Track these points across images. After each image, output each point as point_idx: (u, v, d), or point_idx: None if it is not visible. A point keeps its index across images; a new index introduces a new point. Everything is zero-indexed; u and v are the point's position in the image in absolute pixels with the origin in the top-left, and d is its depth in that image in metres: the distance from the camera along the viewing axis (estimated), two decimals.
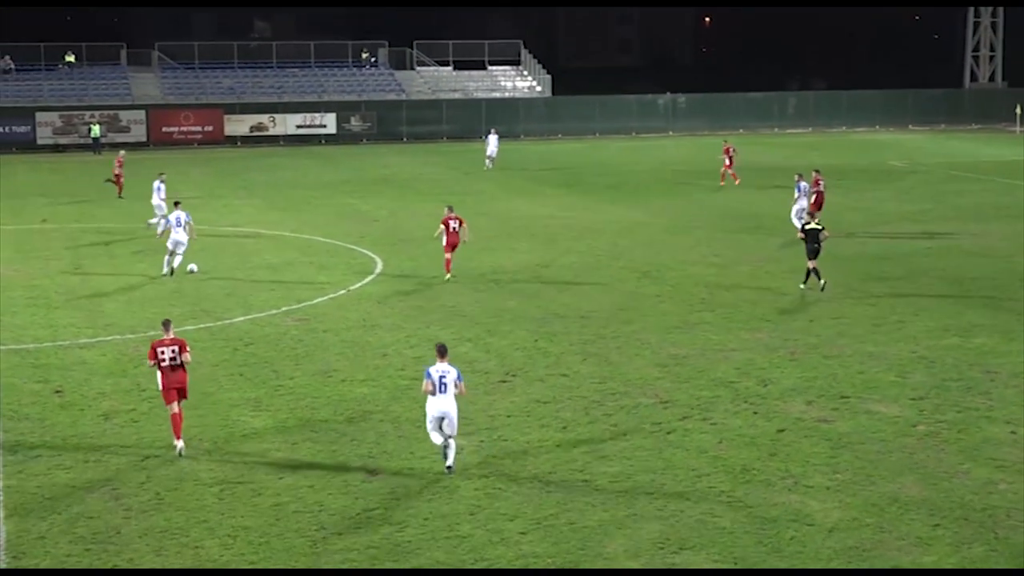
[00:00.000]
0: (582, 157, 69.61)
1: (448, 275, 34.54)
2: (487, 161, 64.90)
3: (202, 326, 29.51)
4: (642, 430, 21.76)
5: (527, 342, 27.91)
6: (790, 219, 41.55)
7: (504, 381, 24.84)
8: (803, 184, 41.97)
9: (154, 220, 42.76)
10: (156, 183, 44.07)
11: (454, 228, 34.57)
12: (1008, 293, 32.80)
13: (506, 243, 40.96)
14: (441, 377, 19.65)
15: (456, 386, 19.69)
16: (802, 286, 33.30)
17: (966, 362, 26.07)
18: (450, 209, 35.26)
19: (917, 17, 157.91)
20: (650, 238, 41.79)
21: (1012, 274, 35.31)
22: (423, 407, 20.07)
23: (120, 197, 51.82)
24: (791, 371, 25.45)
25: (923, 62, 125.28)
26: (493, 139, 65.14)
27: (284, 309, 31.28)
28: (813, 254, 32.93)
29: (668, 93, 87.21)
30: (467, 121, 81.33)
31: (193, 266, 36.23)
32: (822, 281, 32.98)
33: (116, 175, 52.43)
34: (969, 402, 23.31)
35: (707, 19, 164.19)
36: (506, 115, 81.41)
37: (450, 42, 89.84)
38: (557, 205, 49.74)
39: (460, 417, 20.09)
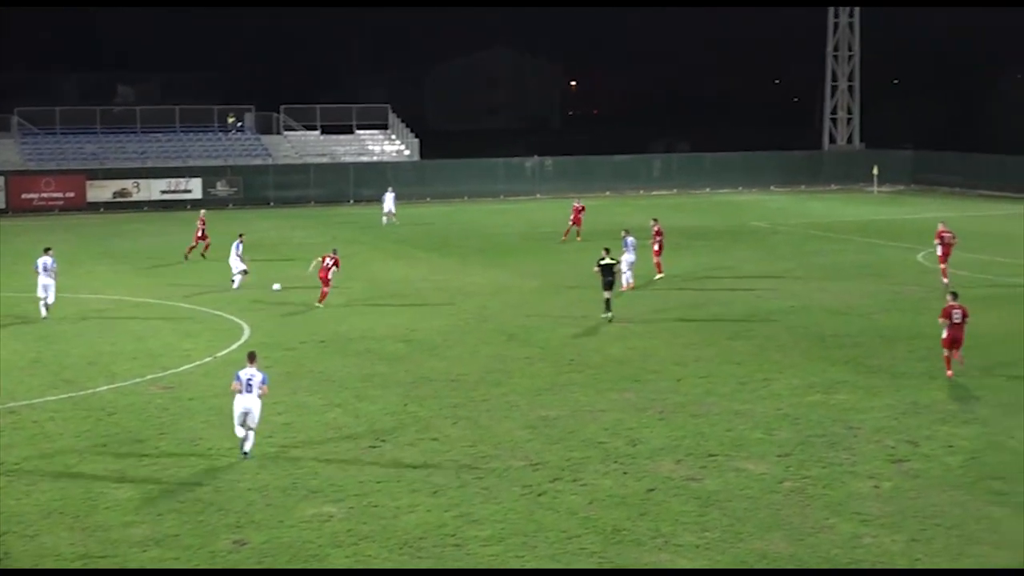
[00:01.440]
0: (451, 220, 69.81)
1: (320, 304, 39.88)
2: (384, 218, 67.05)
3: (64, 396, 28.84)
4: (513, 493, 21.72)
5: (397, 406, 27.75)
6: (621, 272, 42.26)
7: (374, 446, 24.63)
8: (630, 239, 43.69)
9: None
10: (235, 243, 45.16)
11: (327, 265, 39.99)
12: (869, 350, 33.50)
13: (376, 306, 40.78)
14: (248, 380, 23.60)
15: (260, 388, 23.65)
16: (603, 316, 37.40)
17: (830, 418, 26.54)
18: (334, 251, 41.31)
19: (777, 81, 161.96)
20: (519, 300, 41.95)
21: (873, 331, 36.10)
22: (292, 475, 20.15)
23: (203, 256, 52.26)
24: (660, 430, 25.65)
25: (784, 125, 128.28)
26: (390, 196, 67.60)
27: (149, 377, 30.71)
28: (608, 286, 37.61)
29: (536, 156, 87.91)
30: (335, 185, 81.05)
31: (277, 285, 43.15)
32: (611, 313, 37.31)
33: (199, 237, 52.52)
34: (833, 458, 23.70)
35: (573, 83, 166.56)
36: (374, 179, 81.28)
37: (317, 106, 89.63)
38: (427, 268, 49.74)
39: (328, 483, 20.60)
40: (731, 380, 30.07)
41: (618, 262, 38.35)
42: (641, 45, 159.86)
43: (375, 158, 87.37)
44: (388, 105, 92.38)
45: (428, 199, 79.29)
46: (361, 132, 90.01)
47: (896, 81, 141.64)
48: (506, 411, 27.29)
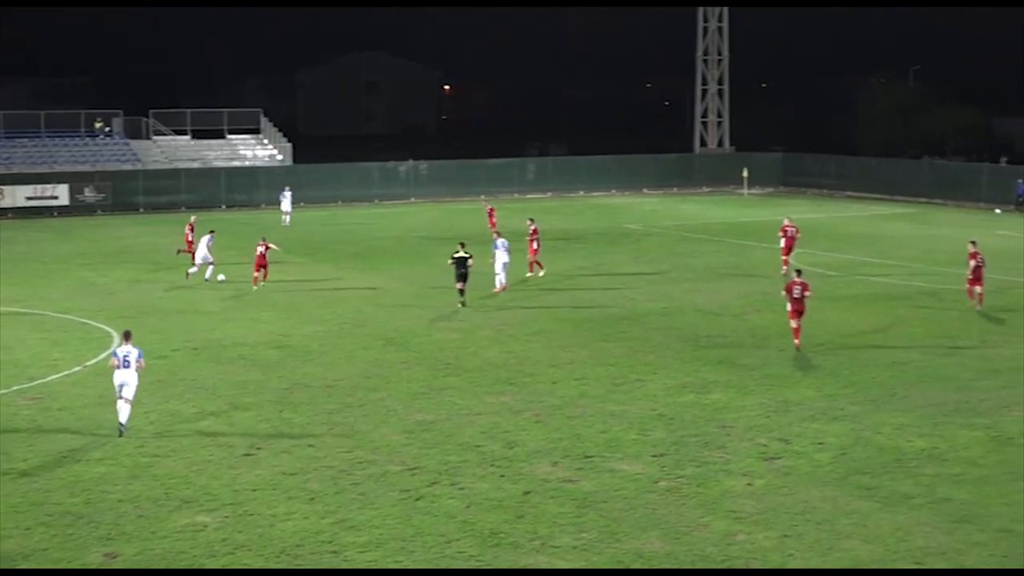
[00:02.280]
0: (325, 225, 69.32)
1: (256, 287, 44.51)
2: (285, 218, 69.06)
3: None
4: (390, 498, 21.64)
5: (272, 413, 27.47)
6: (494, 273, 43.35)
7: (248, 454, 24.35)
8: (501, 240, 44.06)
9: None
10: (206, 237, 47.23)
11: (261, 252, 44.53)
12: (741, 350, 34.00)
13: (249, 313, 40.33)
14: (125, 356, 25.53)
15: (138, 362, 25.59)
16: (459, 305, 40.29)
17: (703, 418, 26.88)
18: (263, 239, 45.46)
19: (649, 84, 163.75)
20: (395, 304, 41.80)
21: (745, 331, 36.65)
22: (165, 485, 20.12)
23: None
24: (536, 433, 25.75)
25: (657, 128, 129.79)
26: (287, 196, 69.87)
27: (15, 388, 29.99)
28: (461, 278, 40.47)
29: (410, 160, 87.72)
30: (207, 190, 79.93)
31: (222, 276, 46.04)
32: (464, 299, 40.52)
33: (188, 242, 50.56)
34: (707, 457, 24.01)
35: (448, 87, 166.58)
36: (246, 184, 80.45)
37: (188, 110, 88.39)
38: (300, 273, 49.32)
39: (202, 492, 20.80)
40: (606, 381, 30.31)
41: (471, 256, 40.75)
42: (515, 49, 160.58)
43: (247, 163, 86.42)
44: (260, 109, 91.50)
45: (302, 204, 78.51)
46: (233, 137, 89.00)
47: (765, 85, 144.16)
48: (383, 416, 27.18)
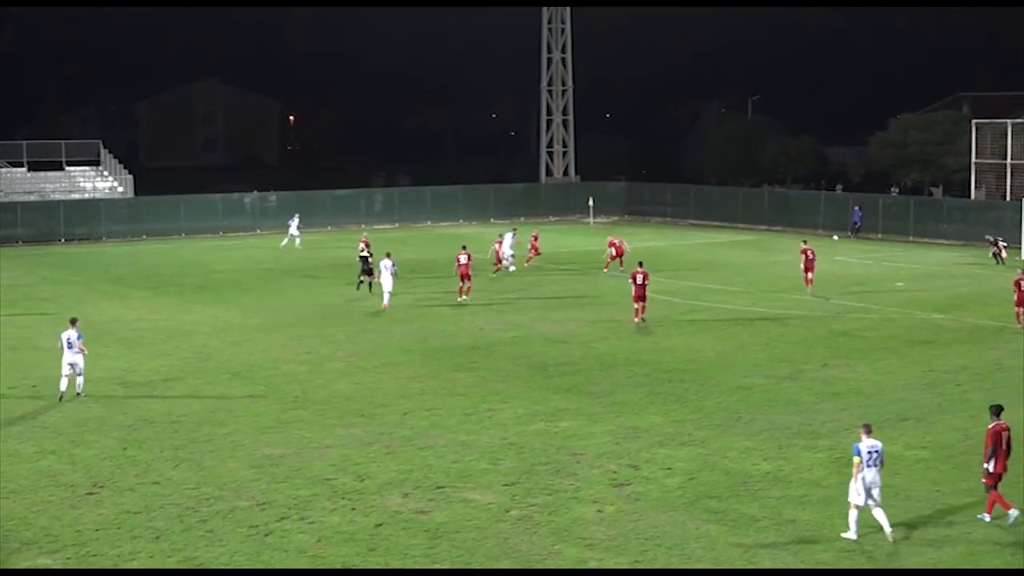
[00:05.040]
0: (168, 257, 68.11)
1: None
2: (296, 240, 71.67)
3: None
4: (239, 534, 21.28)
5: (115, 451, 26.83)
6: (384, 292, 46.56)
7: (91, 493, 23.73)
8: (387, 262, 46.82)
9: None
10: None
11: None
12: (590, 377, 34.27)
13: (91, 349, 39.06)
14: (68, 339, 31.43)
15: (78, 343, 31.46)
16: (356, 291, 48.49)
17: (554, 446, 27.00)
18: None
19: (495, 116, 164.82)
20: (241, 338, 41.20)
21: (593, 359, 36.95)
22: (3, 527, 19.65)
23: None
24: (387, 464, 25.59)
25: (503, 159, 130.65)
26: (295, 221, 72.83)
27: None
28: (367, 272, 48.85)
29: (255, 191, 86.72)
30: (45, 224, 77.95)
31: None
32: (365, 280, 49.00)
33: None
34: (558, 484, 24.11)
35: (292, 117, 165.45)
36: (86, 217, 78.66)
37: (24, 142, 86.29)
38: (144, 308, 48.33)
39: (43, 533, 20.34)
40: (457, 411, 30.27)
41: (372, 255, 47.39)
42: (360, 78, 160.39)
43: (87, 195, 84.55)
44: (100, 141, 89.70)
45: (144, 237, 77.19)
46: (72, 169, 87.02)
47: (608, 115, 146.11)
48: (230, 451, 26.74)
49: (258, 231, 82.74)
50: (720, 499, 23.16)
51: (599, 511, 22.52)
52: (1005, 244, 62.90)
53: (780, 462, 25.66)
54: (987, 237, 65.28)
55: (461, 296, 48.62)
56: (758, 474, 24.76)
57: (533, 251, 61.53)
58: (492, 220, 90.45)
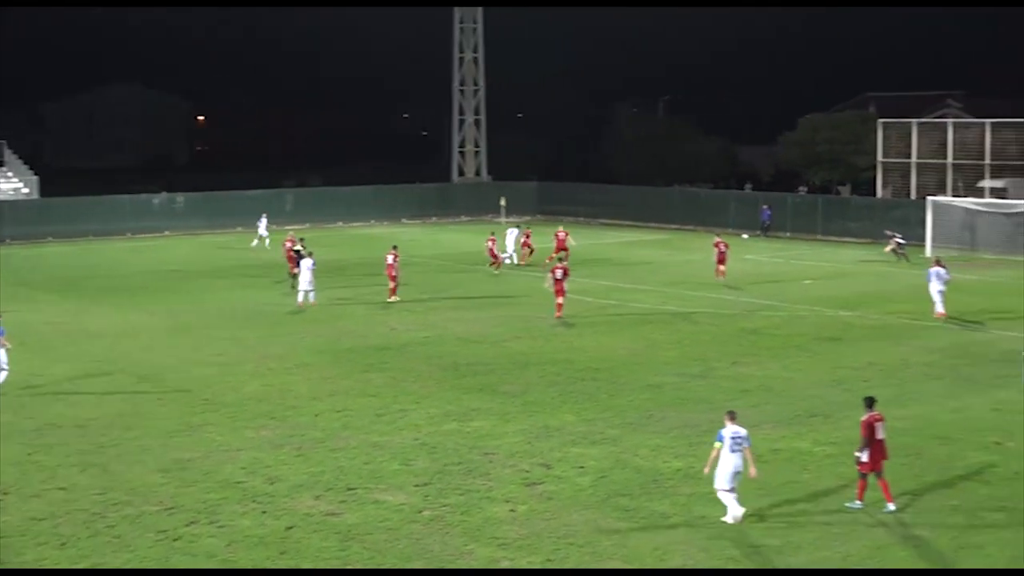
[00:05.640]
0: (75, 260, 67.13)
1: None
2: (265, 241, 70.47)
3: None
4: (147, 539, 21.02)
5: (20, 456, 26.36)
6: (302, 289, 46.83)
7: None
8: (308, 261, 47.15)
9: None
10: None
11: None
12: (503, 377, 34.29)
13: None
14: None
15: (1, 339, 32.05)
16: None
17: (466, 446, 26.97)
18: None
19: (407, 116, 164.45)
20: (151, 341, 40.70)
21: (505, 358, 36.97)
22: None
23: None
24: (298, 467, 25.41)
25: (415, 159, 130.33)
26: (264, 222, 71.97)
27: None
28: (296, 264, 48.65)
29: (164, 192, 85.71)
30: None
31: None
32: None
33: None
34: (470, 484, 24.09)
35: (201, 118, 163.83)
36: None
37: None
38: (51, 310, 47.57)
39: None
40: (368, 412, 30.14)
41: (303, 251, 48.50)
42: (269, 79, 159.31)
43: None
44: (4, 142, 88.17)
45: (49, 239, 75.98)
46: None
47: (520, 115, 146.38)
48: (138, 455, 26.40)
49: (167, 232, 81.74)
50: (632, 497, 23.27)
51: (511, 510, 22.53)
52: (902, 240, 63.91)
53: (691, 459, 25.83)
54: (886, 232, 66.37)
55: (392, 296, 48.72)
56: (669, 471, 24.92)
57: (526, 248, 62.51)
58: (404, 220, 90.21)
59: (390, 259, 49.21)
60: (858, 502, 22.61)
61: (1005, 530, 21.41)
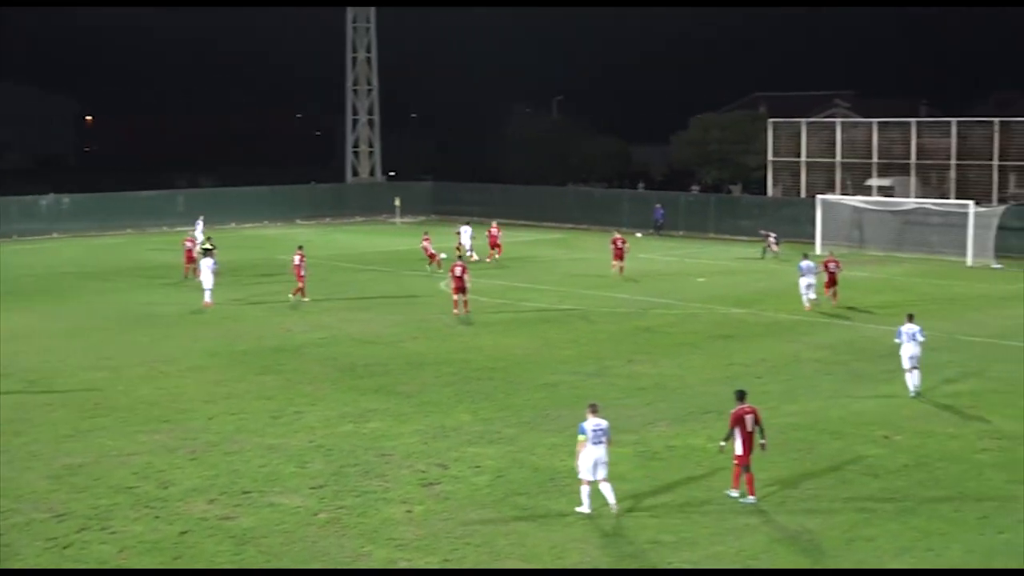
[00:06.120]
0: None
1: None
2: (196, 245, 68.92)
3: None
4: (36, 547, 20.63)
5: None
6: (206, 288, 47.21)
7: None
8: (208, 260, 47.89)
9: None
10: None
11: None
12: (398, 377, 34.18)
13: None
14: None
15: None
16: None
17: (362, 447, 26.85)
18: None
19: (300, 116, 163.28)
20: (39, 344, 39.91)
21: (401, 359, 36.87)
22: None
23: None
24: (192, 471, 25.10)
25: (309, 159, 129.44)
26: (200, 224, 69.92)
27: None
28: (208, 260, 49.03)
29: (51, 194, 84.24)
30: None
31: None
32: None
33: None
34: (367, 486, 23.98)
35: (89, 118, 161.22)
36: None
37: None
38: None
39: None
40: (263, 415, 29.87)
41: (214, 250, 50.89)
42: (159, 79, 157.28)
43: None
44: None
45: None
46: None
47: (415, 115, 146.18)
48: (27, 461, 25.89)
49: (54, 234, 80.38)
50: (529, 495, 23.33)
51: (408, 511, 22.47)
52: (776, 239, 65.02)
53: None
54: (760, 231, 67.49)
55: (300, 296, 48.84)
56: (565, 470, 24.98)
57: (492, 243, 63.95)
58: (298, 221, 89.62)
59: (296, 259, 49.04)
60: (735, 491, 23.11)
61: (894, 522, 21.82)
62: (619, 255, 56.22)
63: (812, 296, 45.69)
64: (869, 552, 20.38)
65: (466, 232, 64.90)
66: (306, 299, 48.50)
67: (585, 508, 22.12)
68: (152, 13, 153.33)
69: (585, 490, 22.18)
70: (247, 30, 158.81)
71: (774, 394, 31.67)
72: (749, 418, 23.03)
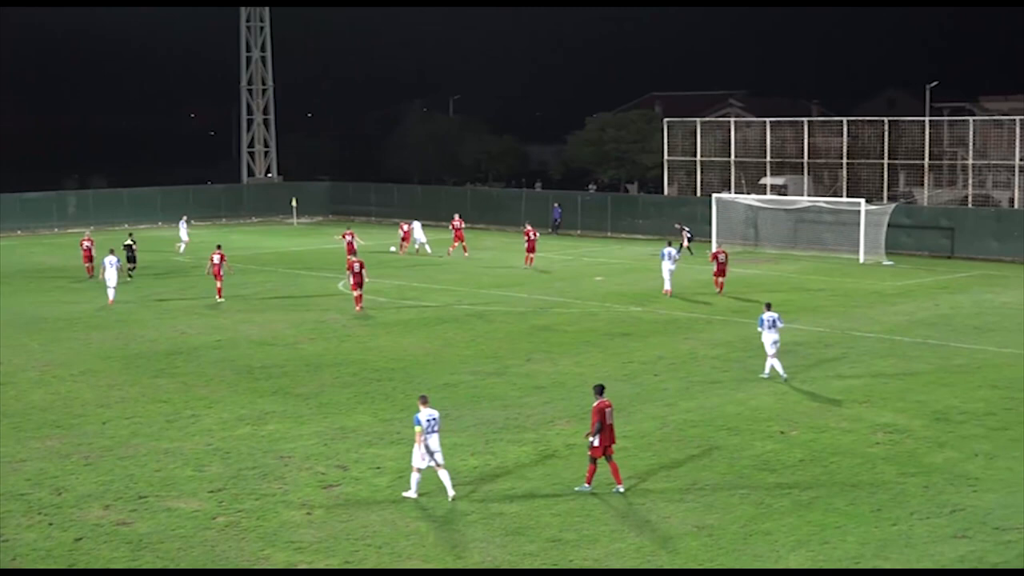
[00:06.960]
0: None
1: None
2: (181, 246, 69.30)
3: None
4: None
5: None
6: (108, 288, 47.77)
7: None
8: (111, 258, 48.52)
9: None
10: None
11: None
12: (296, 379, 33.92)
13: None
14: None
15: None
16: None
17: (260, 449, 26.60)
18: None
19: (193, 115, 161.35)
20: None
21: (299, 360, 36.59)
22: None
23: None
24: (86, 476, 24.68)
25: (203, 159, 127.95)
26: (183, 225, 70.96)
27: None
28: (133, 261, 54.49)
29: None
30: None
31: None
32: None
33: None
34: (266, 488, 23.76)
35: None
36: None
37: None
38: None
39: None
40: (159, 419, 29.47)
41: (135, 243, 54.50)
42: (47, 78, 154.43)
43: None
44: None
45: None
46: None
47: (310, 115, 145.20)
48: None
49: None
50: (430, 495, 23.27)
51: (308, 514, 22.30)
52: (690, 235, 65.77)
53: (487, 456, 25.99)
54: (676, 225, 68.13)
55: (218, 297, 48.90)
56: (466, 469, 25.00)
57: (455, 235, 66.11)
58: (192, 222, 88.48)
59: (216, 259, 48.82)
60: (587, 485, 23.49)
61: (791, 516, 22.11)
62: (531, 247, 58.94)
63: (669, 287, 49.05)
64: (766, 546, 20.62)
65: (417, 226, 67.62)
66: (221, 299, 48.42)
67: (412, 493, 23.00)
68: (36, 9, 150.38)
69: (415, 477, 23.01)
70: (140, 28, 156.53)
71: (672, 391, 31.96)
72: (609, 411, 23.41)
